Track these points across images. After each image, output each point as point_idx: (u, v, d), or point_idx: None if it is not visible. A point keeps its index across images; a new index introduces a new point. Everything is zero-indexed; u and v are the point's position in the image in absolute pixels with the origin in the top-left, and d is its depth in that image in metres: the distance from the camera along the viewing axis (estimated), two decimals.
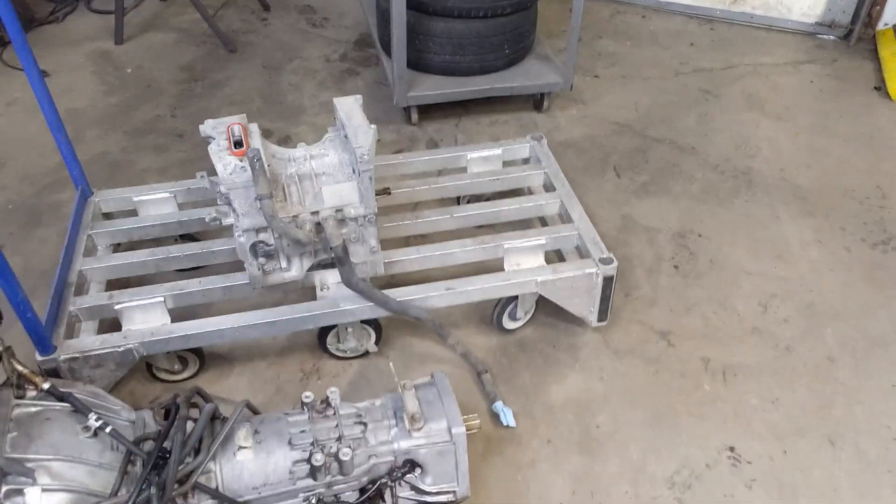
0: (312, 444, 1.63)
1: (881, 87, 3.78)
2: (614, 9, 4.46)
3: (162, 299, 2.08)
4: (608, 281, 2.18)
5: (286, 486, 1.60)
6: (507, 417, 2.10)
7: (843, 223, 2.91)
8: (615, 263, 2.19)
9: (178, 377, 2.21)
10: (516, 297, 2.26)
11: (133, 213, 2.49)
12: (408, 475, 1.69)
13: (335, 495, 1.66)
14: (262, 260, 1.97)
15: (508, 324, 2.35)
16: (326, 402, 1.73)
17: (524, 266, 2.22)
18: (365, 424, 1.69)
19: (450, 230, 2.39)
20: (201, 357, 2.21)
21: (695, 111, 3.56)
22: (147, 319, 2.09)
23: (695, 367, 2.32)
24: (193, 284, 2.13)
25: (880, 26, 4.16)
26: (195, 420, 1.64)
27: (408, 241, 2.39)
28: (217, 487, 1.56)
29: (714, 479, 2.01)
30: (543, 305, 2.42)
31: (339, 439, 1.65)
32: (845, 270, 2.69)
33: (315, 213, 1.95)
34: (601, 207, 2.92)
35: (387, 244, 2.23)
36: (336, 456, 1.60)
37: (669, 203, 2.98)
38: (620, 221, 2.88)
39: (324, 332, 2.20)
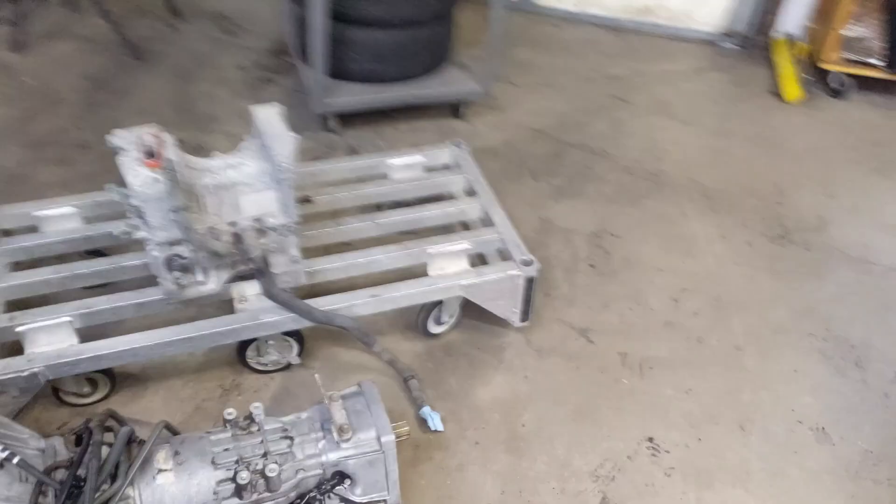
0: (237, 461, 1.59)
1: (776, 92, 4.01)
2: (529, 18, 4.56)
3: (69, 319, 1.98)
4: (530, 282, 2.23)
5: None
6: (435, 422, 2.11)
7: (745, 219, 3.08)
8: (536, 265, 2.23)
9: (87, 400, 2.10)
10: (441, 301, 2.27)
11: (34, 229, 2.36)
12: (337, 487, 1.67)
13: None
14: (177, 274, 1.91)
15: (434, 328, 2.36)
16: (250, 417, 1.69)
17: (449, 270, 2.23)
18: (291, 439, 1.66)
19: (373, 237, 2.38)
20: (112, 378, 2.12)
21: (607, 116, 3.68)
22: (52, 341, 1.98)
23: (613, 361, 2.40)
24: (102, 302, 2.03)
25: (774, 35, 4.42)
26: (110, 445, 1.57)
27: (330, 250, 2.37)
28: None
29: (635, 469, 2.08)
30: (468, 308, 2.45)
31: (264, 455, 1.61)
32: (747, 264, 2.85)
33: (233, 223, 1.91)
34: (520, 210, 2.97)
35: (309, 253, 2.20)
36: (262, 472, 1.57)
37: (584, 205, 3.07)
38: (539, 224, 2.94)
39: (243, 345, 2.15)
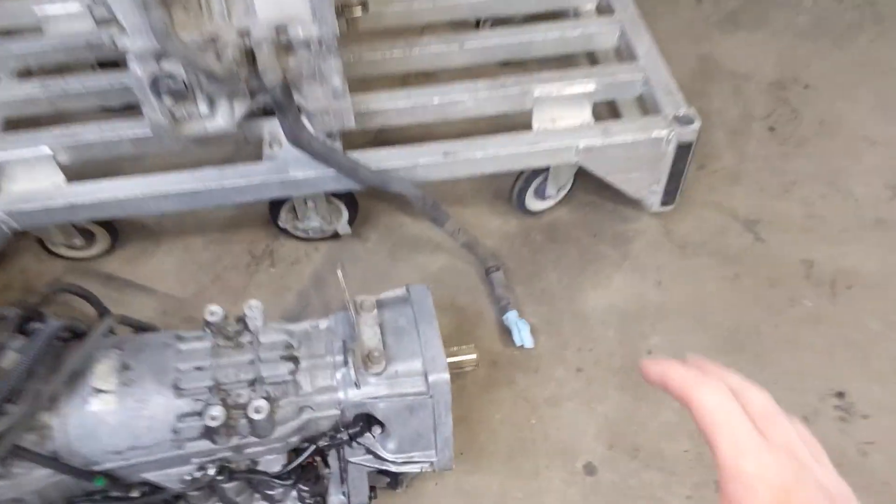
0: (211, 389, 1.07)
1: None
2: None
3: (49, 152, 1.48)
4: (684, 149, 1.49)
5: (167, 451, 1.06)
6: (523, 334, 1.52)
7: None
8: (696, 123, 1.48)
9: (81, 254, 1.65)
10: (546, 170, 1.60)
11: (38, 30, 1.84)
12: (361, 436, 1.13)
13: (251, 461, 1.13)
14: (168, 101, 1.32)
15: (534, 203, 1.70)
16: (243, 322, 1.15)
17: (562, 124, 1.53)
18: (296, 361, 1.11)
19: (459, 67, 1.68)
20: (112, 230, 1.64)
21: None
22: (34, 178, 1.50)
23: (792, 271, 1.67)
24: (92, 131, 1.50)
25: None
26: (80, 334, 1.09)
27: (395, 83, 1.71)
28: (55, 452, 1.02)
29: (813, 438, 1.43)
30: (584, 178, 1.76)
31: (253, 383, 1.08)
32: None
33: (243, 32, 1.28)
34: (673, 43, 2.13)
35: (363, 87, 1.56)
36: (245, 411, 1.04)
37: (766, 40, 2.19)
38: (697, 63, 2.12)
39: (275, 206, 1.59)
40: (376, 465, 1.17)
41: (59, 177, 1.50)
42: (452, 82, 1.57)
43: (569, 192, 1.74)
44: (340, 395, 1.10)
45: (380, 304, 1.16)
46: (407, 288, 1.19)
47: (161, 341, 1.12)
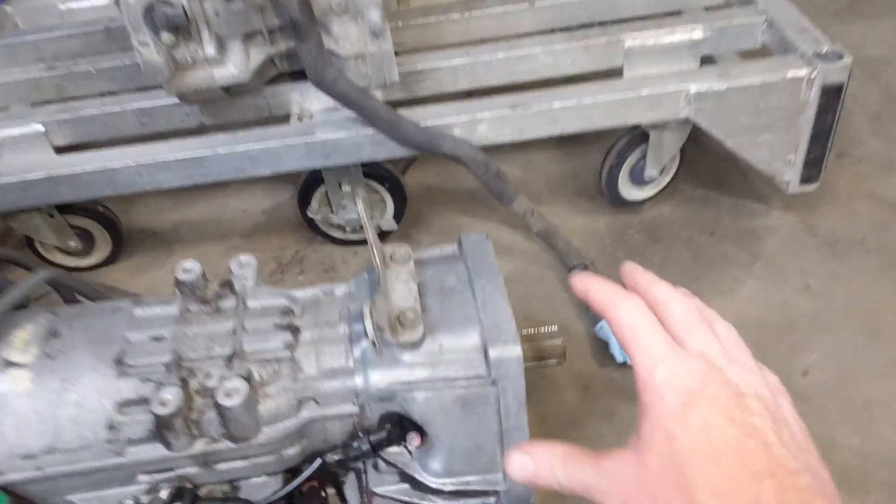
0: (168, 366, 0.72)
1: None
2: None
3: (41, 129, 1.24)
4: (832, 95, 1.12)
5: (101, 459, 0.71)
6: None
7: None
8: (848, 60, 1.12)
9: (79, 262, 1.38)
10: (644, 141, 1.25)
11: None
12: (389, 447, 0.75)
13: (229, 484, 0.76)
14: (167, 38, 1.07)
15: (630, 191, 1.34)
16: (228, 285, 0.81)
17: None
18: (295, 331, 0.76)
19: (531, 33, 1.39)
20: (116, 234, 1.37)
21: None
22: (24, 159, 1.26)
23: None
24: (92, 105, 1.27)
25: None
26: None
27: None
28: None
29: None
30: (692, 168, 1.40)
31: (229, 360, 0.73)
32: None
33: None
34: None
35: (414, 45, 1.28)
36: (213, 397, 0.69)
37: (895, 26, 1.83)
38: None
39: (305, 194, 1.29)
40: (416, 501, 0.78)
41: (52, 156, 1.25)
42: (521, 37, 1.27)
43: (673, 181, 1.38)
44: (359, 380, 0.73)
45: (420, 263, 0.81)
46: (459, 240, 0.84)
47: (112, 306, 0.80)
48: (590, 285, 0.51)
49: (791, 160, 1.20)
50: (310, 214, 1.29)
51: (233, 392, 0.68)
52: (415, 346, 0.72)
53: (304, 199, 1.29)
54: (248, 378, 0.70)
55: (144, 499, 0.72)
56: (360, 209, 0.76)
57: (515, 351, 0.71)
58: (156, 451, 0.71)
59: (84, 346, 0.74)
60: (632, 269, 0.53)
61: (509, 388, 0.72)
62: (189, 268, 0.80)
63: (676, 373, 0.44)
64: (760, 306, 1.22)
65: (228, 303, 0.79)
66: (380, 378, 0.72)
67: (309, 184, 1.27)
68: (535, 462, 0.48)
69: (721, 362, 0.45)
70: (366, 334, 0.70)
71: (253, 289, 0.80)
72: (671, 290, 0.50)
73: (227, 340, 0.75)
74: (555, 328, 0.83)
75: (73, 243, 1.33)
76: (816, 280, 1.25)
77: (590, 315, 1.19)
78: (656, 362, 0.44)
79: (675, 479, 0.41)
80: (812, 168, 1.21)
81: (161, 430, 0.69)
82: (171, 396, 0.68)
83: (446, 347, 0.73)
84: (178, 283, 0.80)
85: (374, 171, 1.25)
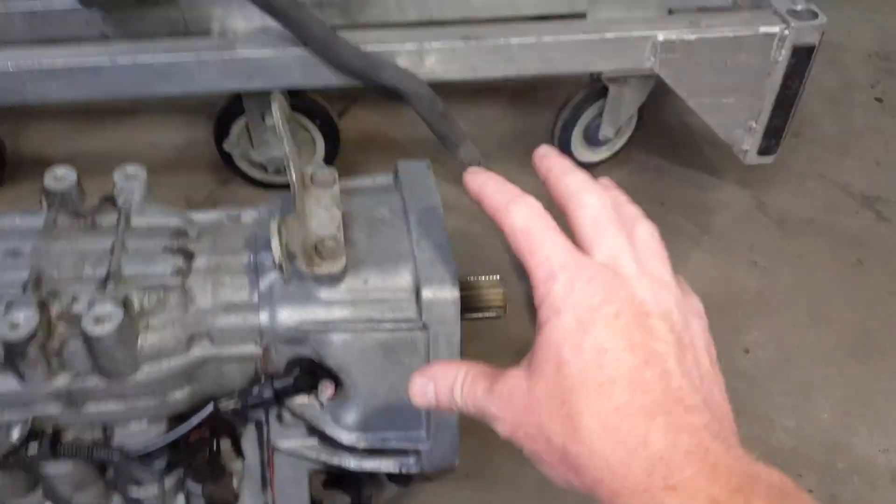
0: (25, 285, 0.59)
1: None
2: None
3: None
4: (802, 58, 1.05)
5: None
6: None
7: None
8: (822, 20, 1.06)
9: None
10: (602, 96, 1.16)
11: None
12: (297, 395, 0.64)
13: (103, 429, 0.63)
14: None
15: (582, 152, 1.25)
16: (109, 199, 0.68)
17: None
18: (189, 255, 0.64)
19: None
20: None
21: None
22: None
23: None
24: None
25: None
26: None
27: None
28: None
29: None
30: (645, 135, 1.33)
31: (104, 282, 0.60)
32: None
33: None
34: None
35: None
36: (79, 324, 0.56)
37: (858, 15, 1.79)
38: None
39: (223, 124, 1.15)
40: (324, 459, 0.67)
41: None
42: None
43: (627, 147, 1.30)
44: (263, 317, 0.61)
45: (347, 192, 0.70)
46: (395, 168, 0.73)
47: None
48: (484, 185, 0.43)
49: (752, 127, 1.14)
50: (226, 147, 1.15)
51: (103, 318, 0.56)
52: (334, 280, 0.61)
53: (221, 130, 1.15)
54: (124, 304, 0.57)
55: None
56: (276, 112, 0.64)
57: (452, 293, 0.61)
58: (6, 383, 0.58)
59: None
60: (545, 153, 0.46)
61: (442, 335, 0.62)
62: (61, 175, 0.67)
63: (575, 285, 0.38)
64: (706, 280, 1.15)
65: (108, 219, 0.66)
66: (289, 315, 0.61)
67: (228, 112, 1.13)
68: (435, 385, 0.43)
69: (630, 273, 0.39)
70: (273, 260, 0.58)
71: (140, 205, 0.67)
72: (587, 180, 0.43)
73: (103, 260, 0.62)
74: (496, 277, 0.73)
75: None
76: (764, 257, 1.20)
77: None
78: (554, 273, 0.38)
79: (561, 409, 0.36)
80: (771, 138, 1.15)
81: (11, 358, 0.56)
82: (24, 318, 0.55)
83: (371, 285, 0.62)
84: (47, 193, 0.66)
85: (303, 104, 1.12)
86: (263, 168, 1.19)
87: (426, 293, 0.61)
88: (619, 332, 0.37)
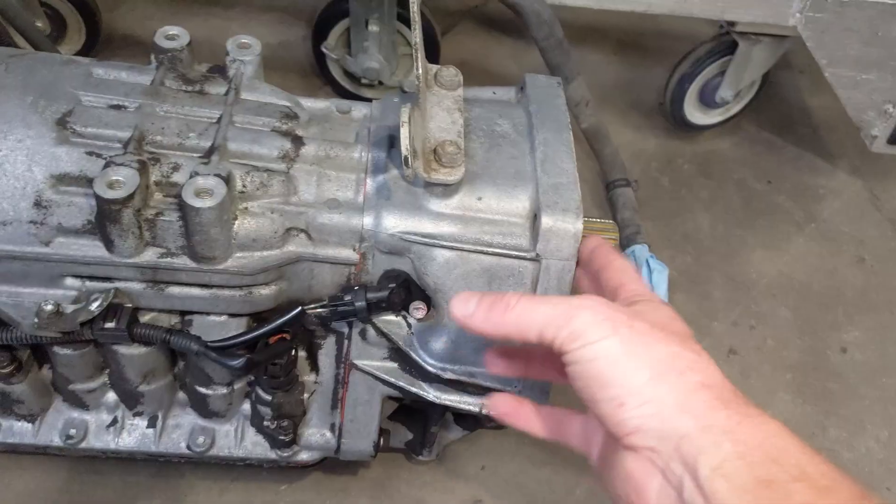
0: (127, 143, 0.55)
1: None
2: None
3: None
4: None
5: (23, 244, 0.54)
6: (656, 279, 0.97)
7: None
8: None
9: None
10: (728, 53, 1.07)
11: None
12: (384, 313, 0.59)
13: (180, 314, 0.60)
14: None
15: (694, 113, 1.17)
16: (220, 69, 0.63)
17: None
18: (297, 141, 0.59)
19: None
20: (93, 26, 1.16)
21: None
22: None
23: None
24: None
25: None
26: None
27: None
28: None
29: None
30: (764, 106, 1.24)
31: (209, 153, 0.56)
32: None
33: None
34: None
35: None
36: (179, 195, 0.52)
37: None
38: None
39: (323, 26, 1.10)
40: (403, 385, 0.63)
41: None
42: None
43: (740, 116, 1.21)
44: (367, 220, 0.56)
45: (467, 101, 0.64)
46: (521, 83, 0.66)
47: (66, 58, 0.61)
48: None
49: (888, 111, 1.04)
50: (324, 49, 1.09)
51: (205, 192, 0.52)
52: (447, 192, 0.56)
53: (320, 32, 1.09)
54: (226, 180, 0.53)
55: (68, 308, 0.55)
56: (415, 2, 0.58)
57: (575, 224, 0.55)
58: (93, 248, 0.54)
59: (19, 92, 0.56)
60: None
61: (554, 269, 0.56)
62: (174, 33, 0.62)
63: None
64: (807, 269, 1.07)
65: (217, 89, 0.61)
66: (395, 222, 0.56)
67: (330, 14, 1.07)
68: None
69: None
70: (400, 156, 0.52)
71: (251, 80, 0.62)
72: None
73: (209, 131, 0.57)
74: (611, 222, 0.67)
75: (41, 24, 1.12)
76: (872, 255, 1.11)
77: (623, 235, 1.03)
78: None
79: None
80: None
81: (104, 221, 0.52)
82: (122, 179, 0.51)
83: (485, 203, 0.57)
84: (157, 50, 0.62)
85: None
86: (356, 80, 1.14)
87: (545, 221, 0.55)
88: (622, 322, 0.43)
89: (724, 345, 0.97)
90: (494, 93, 0.67)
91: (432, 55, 1.11)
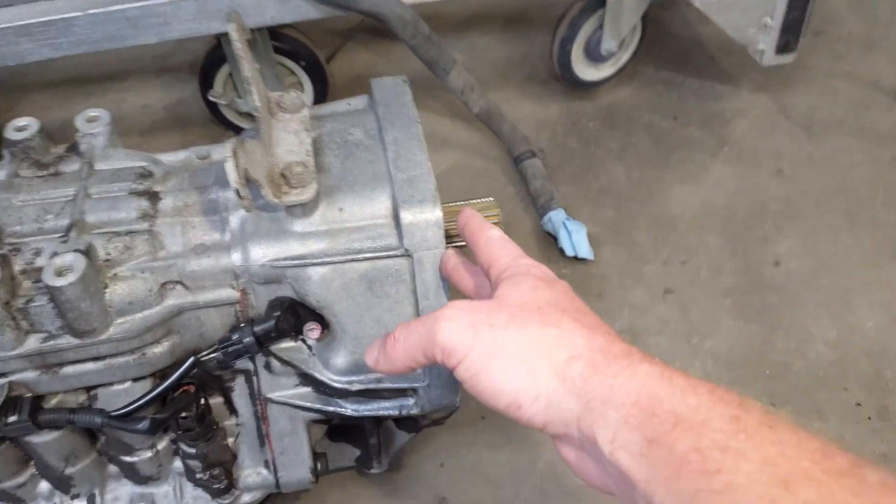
0: None
1: None
2: None
3: None
4: None
5: None
6: (576, 240, 0.98)
7: None
8: None
9: None
10: (600, 6, 1.08)
11: None
12: (280, 341, 0.60)
13: (87, 390, 0.60)
14: None
15: (585, 70, 1.18)
16: (73, 147, 0.64)
17: None
18: (154, 197, 0.60)
19: None
20: None
21: None
22: None
23: None
24: None
25: None
26: None
27: None
28: None
29: None
30: (655, 45, 1.25)
31: (67, 232, 0.57)
32: None
33: None
34: None
35: None
36: (38, 273, 0.53)
37: None
38: None
39: (206, 74, 1.11)
40: (319, 407, 0.63)
41: None
42: None
43: (633, 61, 1.22)
44: (236, 257, 0.57)
45: (319, 118, 0.65)
46: (370, 87, 0.67)
47: None
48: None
49: (767, 24, 1.05)
50: (211, 97, 1.10)
51: (64, 270, 0.52)
52: (306, 210, 0.57)
53: (205, 80, 1.10)
54: (86, 253, 0.54)
55: None
56: (232, 34, 0.59)
57: (434, 213, 0.56)
58: None
59: None
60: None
61: (427, 260, 0.57)
62: (23, 125, 0.63)
63: None
64: (728, 193, 1.09)
65: (72, 167, 0.62)
66: (263, 252, 0.57)
67: (211, 61, 1.08)
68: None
69: None
70: (270, 201, 0.53)
71: (103, 149, 0.63)
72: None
73: (65, 210, 0.58)
74: (490, 199, 0.68)
75: None
76: (790, 164, 1.12)
77: (538, 206, 1.04)
78: None
79: None
80: (789, 34, 1.06)
81: None
82: None
83: (348, 212, 0.58)
84: (8, 144, 0.63)
85: (287, 46, 1.07)
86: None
87: (405, 216, 0.56)
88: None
89: (659, 286, 0.98)
90: (349, 104, 0.68)
91: (320, 78, 1.13)
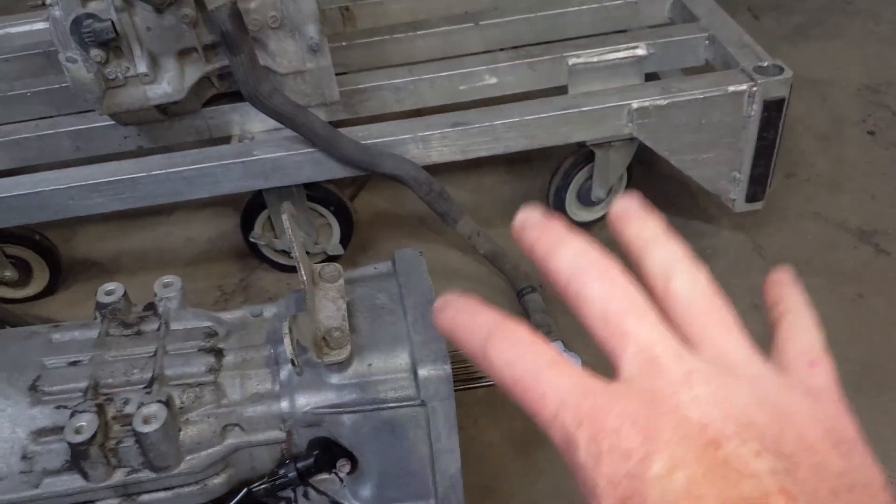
0: (85, 391, 0.69)
1: None
2: None
3: None
4: (774, 110, 1.13)
5: (18, 491, 0.67)
6: None
7: None
8: (788, 74, 1.13)
9: (16, 293, 1.33)
10: (589, 160, 1.25)
11: None
12: (318, 474, 0.72)
13: None
14: (95, 52, 1.05)
15: (578, 212, 1.34)
16: (151, 307, 0.79)
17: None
18: (219, 354, 0.74)
19: (477, 53, 1.39)
20: (55, 263, 1.33)
21: None
22: None
23: None
24: (26, 129, 1.24)
25: None
26: None
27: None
28: None
29: None
30: (642, 185, 1.41)
31: (150, 385, 0.70)
32: None
33: None
34: None
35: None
36: (130, 423, 0.66)
37: (844, 48, 1.86)
38: None
39: (247, 218, 1.27)
40: None
41: None
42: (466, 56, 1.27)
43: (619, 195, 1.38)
44: (284, 405, 0.71)
45: (352, 281, 0.79)
46: (392, 257, 0.82)
47: (28, 331, 0.77)
48: (454, 321, 0.31)
49: (736, 177, 1.21)
50: (252, 239, 1.26)
51: (150, 418, 0.66)
52: (342, 367, 0.71)
53: (246, 224, 1.27)
54: (167, 403, 0.67)
55: None
56: (286, 222, 0.74)
57: (444, 370, 0.70)
58: (73, 481, 0.68)
59: None
60: (524, 223, 0.33)
61: (439, 409, 0.70)
62: (110, 290, 0.78)
63: (602, 444, 0.27)
64: None
65: (151, 326, 0.76)
66: (306, 401, 0.70)
67: (252, 207, 1.25)
68: None
69: (672, 380, 0.27)
70: (314, 364, 0.67)
71: (176, 311, 0.78)
72: (581, 253, 0.32)
73: (148, 364, 0.72)
74: None
75: (10, 273, 1.29)
76: (763, 300, 1.25)
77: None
78: (570, 435, 0.28)
79: None
80: (757, 185, 1.22)
81: (77, 459, 0.66)
82: (85, 423, 0.66)
83: (375, 368, 0.71)
84: (99, 306, 0.77)
85: (318, 195, 1.24)
86: (288, 255, 1.30)
87: (421, 372, 0.69)
88: (683, 497, 0.24)
89: None
90: (376, 268, 0.83)
91: (346, 220, 1.29)
